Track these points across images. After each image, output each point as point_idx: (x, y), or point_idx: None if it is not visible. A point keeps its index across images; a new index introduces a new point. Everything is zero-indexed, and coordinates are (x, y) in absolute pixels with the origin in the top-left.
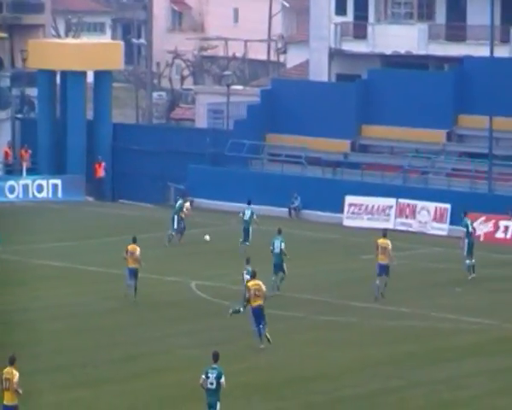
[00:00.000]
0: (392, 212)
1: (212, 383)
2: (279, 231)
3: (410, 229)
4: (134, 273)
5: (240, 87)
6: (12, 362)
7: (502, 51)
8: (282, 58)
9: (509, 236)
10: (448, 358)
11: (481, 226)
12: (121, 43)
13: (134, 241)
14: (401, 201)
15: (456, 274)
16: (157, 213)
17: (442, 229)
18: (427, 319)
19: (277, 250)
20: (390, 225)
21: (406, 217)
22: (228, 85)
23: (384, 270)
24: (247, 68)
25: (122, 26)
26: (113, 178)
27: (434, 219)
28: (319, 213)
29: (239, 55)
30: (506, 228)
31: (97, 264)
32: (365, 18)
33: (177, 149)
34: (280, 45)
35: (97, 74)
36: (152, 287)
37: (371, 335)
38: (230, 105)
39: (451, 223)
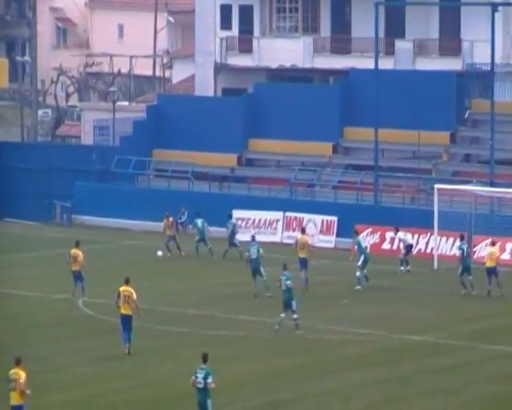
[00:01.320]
0: (280, 225)
1: (200, 383)
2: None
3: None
4: (79, 277)
5: (126, 103)
6: (18, 363)
7: (387, 63)
8: (167, 73)
9: (395, 247)
10: (336, 369)
11: (368, 238)
12: (5, 60)
13: (77, 245)
14: (288, 214)
15: (343, 286)
16: (43, 231)
17: (329, 241)
18: (315, 331)
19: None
20: (277, 239)
21: (293, 230)
22: (113, 102)
23: (304, 263)
24: (133, 84)
25: (6, 43)
26: None
27: (321, 232)
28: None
29: (124, 70)
30: (392, 239)
31: None
32: (250, 32)
33: (62, 166)
34: (165, 61)
35: None
36: (37, 305)
37: (259, 348)
38: (116, 121)
39: (338, 235)
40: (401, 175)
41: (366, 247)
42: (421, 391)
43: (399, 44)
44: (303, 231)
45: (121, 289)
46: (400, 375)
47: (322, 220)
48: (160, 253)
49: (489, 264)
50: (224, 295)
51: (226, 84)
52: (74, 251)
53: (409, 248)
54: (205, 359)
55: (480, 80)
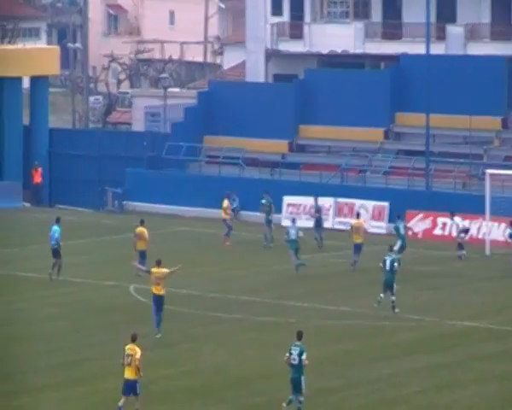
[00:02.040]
0: (331, 211)
1: (294, 359)
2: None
3: (349, 228)
4: (143, 255)
5: (177, 90)
6: (134, 339)
7: (438, 49)
8: (218, 60)
9: (446, 232)
10: (388, 356)
11: (420, 224)
12: (57, 47)
13: (142, 223)
14: (339, 200)
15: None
16: (95, 217)
17: (381, 227)
18: (367, 317)
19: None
20: (329, 225)
21: (345, 216)
22: (165, 88)
23: (359, 248)
24: (184, 71)
25: (57, 30)
26: (51, 184)
27: (373, 218)
28: (258, 213)
29: (175, 57)
30: (444, 225)
31: (36, 270)
32: (301, 18)
33: (114, 153)
34: (216, 47)
35: (34, 80)
36: (91, 292)
37: (311, 335)
38: (168, 108)
39: (390, 221)
40: (452, 160)
41: (405, 234)
42: (474, 378)
43: (450, 29)
44: (358, 215)
45: (153, 270)
46: (453, 361)
47: (374, 206)
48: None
49: None
50: (275, 281)
51: (277, 70)
52: (140, 229)
53: (466, 231)
54: (299, 336)
55: None
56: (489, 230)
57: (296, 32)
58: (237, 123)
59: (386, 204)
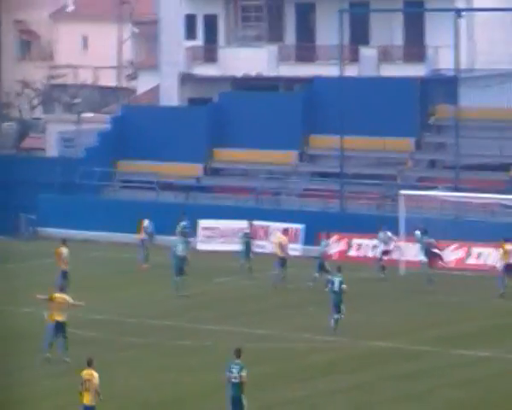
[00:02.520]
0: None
1: (235, 378)
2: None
3: (264, 250)
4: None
5: (90, 115)
6: (90, 364)
7: (351, 71)
8: (132, 84)
9: (361, 254)
10: (303, 378)
11: (334, 245)
12: None
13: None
14: (254, 223)
15: (310, 294)
16: (8, 244)
17: (295, 249)
18: (282, 339)
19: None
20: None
21: (260, 238)
22: (78, 113)
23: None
24: (98, 96)
25: None
26: None
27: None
28: (173, 237)
29: (89, 82)
30: (359, 246)
31: None
32: (215, 41)
33: (27, 178)
34: (131, 71)
35: None
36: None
37: (225, 358)
38: (81, 133)
39: (305, 243)
40: (366, 182)
41: (323, 251)
42: (388, 398)
43: (364, 51)
44: (284, 231)
45: (56, 295)
46: (367, 381)
47: (289, 229)
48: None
49: None
50: (189, 304)
51: (192, 94)
52: (58, 250)
53: (386, 253)
54: (238, 354)
55: (445, 86)
56: (403, 250)
57: (210, 55)
58: (151, 147)
59: (300, 226)
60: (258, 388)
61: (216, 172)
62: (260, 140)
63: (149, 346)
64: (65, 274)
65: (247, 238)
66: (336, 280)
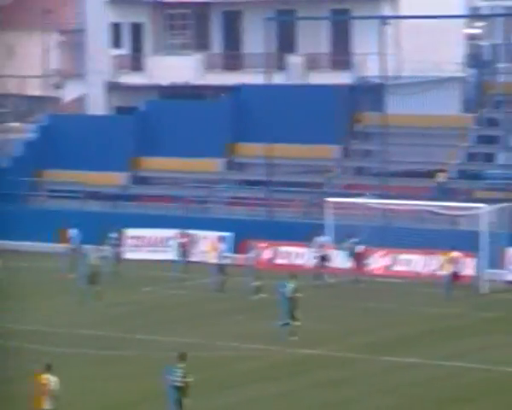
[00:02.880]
0: (173, 243)
1: (179, 382)
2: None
3: (192, 259)
4: None
5: (16, 124)
6: (48, 369)
7: (278, 78)
8: (59, 93)
9: (288, 261)
10: (230, 385)
11: (262, 253)
12: None
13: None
14: (181, 231)
15: (239, 302)
16: None
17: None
18: (210, 348)
19: None
20: (171, 256)
21: (187, 247)
22: (3, 122)
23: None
24: (24, 105)
25: None
26: None
27: (216, 248)
28: (100, 247)
29: (14, 91)
30: (288, 254)
31: None
32: (141, 50)
33: None
34: (56, 80)
35: None
36: None
37: (153, 367)
38: (7, 142)
39: (233, 251)
40: (293, 189)
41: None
42: (313, 405)
43: (291, 59)
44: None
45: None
46: (293, 389)
47: (217, 237)
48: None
49: None
50: (119, 314)
51: (119, 102)
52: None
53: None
54: (183, 357)
55: (371, 93)
56: (330, 257)
57: (136, 64)
58: (78, 156)
59: (228, 234)
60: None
61: (143, 180)
62: (188, 148)
63: (79, 356)
64: None
65: (183, 247)
66: (289, 286)
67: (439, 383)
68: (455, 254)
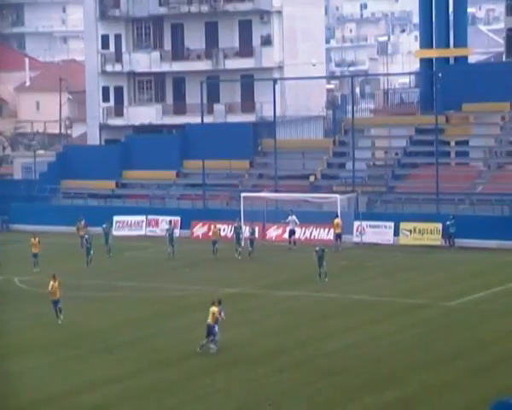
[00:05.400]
0: (144, 224)
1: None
2: None
3: (157, 234)
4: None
5: (42, 151)
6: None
7: (209, 119)
8: (69, 132)
9: (223, 234)
10: (180, 313)
11: (200, 229)
12: None
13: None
14: (149, 217)
15: (186, 261)
16: None
17: (175, 233)
18: (166, 290)
19: None
20: (142, 233)
21: (153, 226)
22: (34, 151)
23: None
24: (47, 139)
25: None
26: None
27: (175, 227)
28: (97, 228)
29: (41, 130)
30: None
31: None
32: (122, 102)
33: (2, 193)
34: (68, 123)
35: None
36: None
37: (131, 303)
38: (37, 163)
39: (181, 228)
40: (219, 189)
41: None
42: (238, 323)
43: (216, 107)
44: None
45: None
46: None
47: (171, 220)
48: None
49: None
50: (110, 270)
51: (108, 136)
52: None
53: (291, 232)
54: (219, 302)
55: (267, 127)
56: (244, 230)
57: (119, 111)
58: (82, 171)
59: (178, 218)
60: (151, 320)
61: (124, 185)
62: (153, 164)
63: (81, 296)
64: (35, 255)
65: (171, 229)
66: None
67: (313, 307)
68: (337, 220)
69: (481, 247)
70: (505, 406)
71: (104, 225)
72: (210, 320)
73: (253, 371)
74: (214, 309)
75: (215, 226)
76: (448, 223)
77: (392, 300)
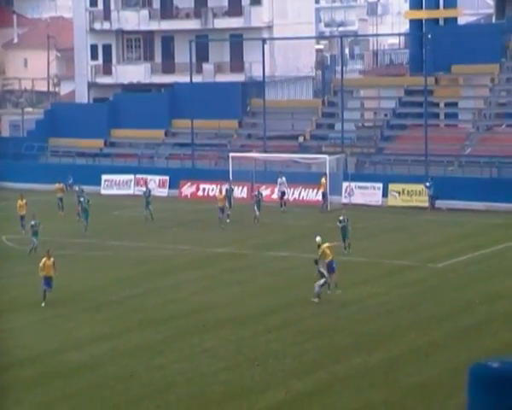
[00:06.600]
0: (132, 183)
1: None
2: None
3: (139, 193)
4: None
5: (30, 109)
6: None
7: (198, 78)
8: (57, 89)
9: (205, 194)
10: (170, 272)
11: (188, 189)
12: None
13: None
14: (137, 176)
15: (174, 220)
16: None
17: (164, 192)
18: (156, 249)
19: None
20: (131, 192)
21: (141, 186)
22: (22, 108)
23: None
24: (35, 97)
25: None
26: None
27: (159, 186)
28: (85, 187)
29: (29, 88)
30: (204, 189)
31: None
32: (110, 61)
33: None
34: (56, 81)
35: None
36: None
37: (122, 262)
38: (25, 121)
39: (170, 188)
40: (208, 148)
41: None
42: (225, 283)
43: (205, 66)
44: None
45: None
46: (210, 274)
47: (159, 179)
48: None
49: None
50: (99, 229)
51: (96, 95)
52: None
53: (281, 193)
54: (316, 262)
55: (256, 87)
56: (233, 190)
57: (107, 70)
58: (70, 129)
59: (167, 177)
60: (141, 279)
61: (113, 144)
62: (142, 123)
63: (71, 255)
64: (23, 217)
65: (147, 192)
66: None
67: (301, 268)
68: (323, 179)
69: (470, 208)
70: (484, 368)
71: (144, 190)
72: (329, 258)
73: (241, 331)
74: (326, 245)
75: (220, 193)
76: (427, 184)
77: (380, 261)
